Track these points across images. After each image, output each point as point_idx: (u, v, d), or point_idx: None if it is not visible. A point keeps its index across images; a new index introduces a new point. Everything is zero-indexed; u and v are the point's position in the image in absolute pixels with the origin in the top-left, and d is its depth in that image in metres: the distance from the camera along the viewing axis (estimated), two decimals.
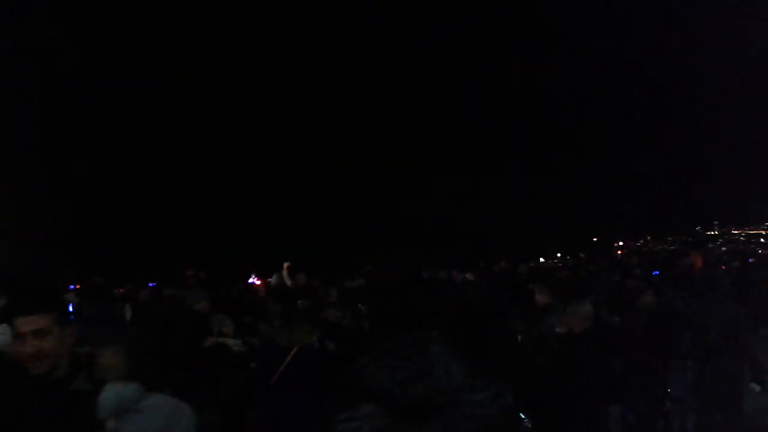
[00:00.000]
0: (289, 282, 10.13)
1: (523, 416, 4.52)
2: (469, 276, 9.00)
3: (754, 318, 9.05)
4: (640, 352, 5.55)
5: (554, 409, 4.40)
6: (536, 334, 4.83)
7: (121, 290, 10.82)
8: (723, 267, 16.91)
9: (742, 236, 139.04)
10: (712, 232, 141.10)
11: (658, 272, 11.42)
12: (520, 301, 7.69)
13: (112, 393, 2.32)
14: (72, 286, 9.34)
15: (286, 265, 10.38)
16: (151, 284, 10.13)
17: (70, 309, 5.72)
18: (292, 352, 4.87)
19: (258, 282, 11.64)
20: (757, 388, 5.56)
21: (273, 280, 10.45)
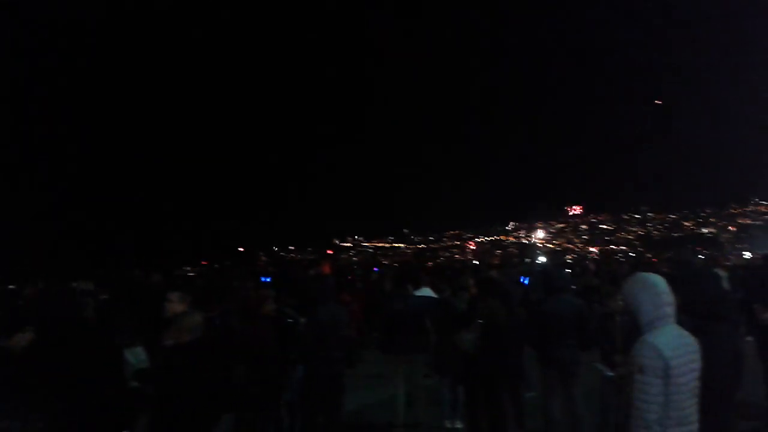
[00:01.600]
0: None
1: None
2: (86, 286, 8.13)
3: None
4: (260, 359, 5.64)
5: (161, 420, 4.20)
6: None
7: None
8: (350, 276, 18.69)
9: (370, 249, 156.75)
10: (347, 244, 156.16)
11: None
12: (152, 312, 7.29)
13: None
14: None
15: None
16: None
17: None
18: None
19: None
20: None
21: None
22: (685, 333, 3.00)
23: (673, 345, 2.87)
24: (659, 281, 3.02)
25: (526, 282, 10.46)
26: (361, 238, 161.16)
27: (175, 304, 5.63)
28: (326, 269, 14.70)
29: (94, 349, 4.34)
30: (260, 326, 5.84)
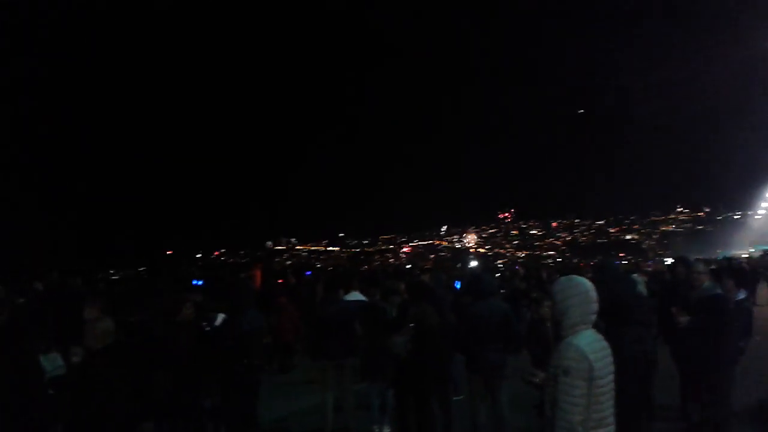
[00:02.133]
0: None
1: None
2: None
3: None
4: (180, 365, 5.45)
5: (77, 429, 4.02)
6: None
7: None
8: (281, 280, 18.40)
9: (305, 252, 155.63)
10: (281, 247, 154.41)
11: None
12: (70, 316, 6.98)
13: None
14: None
15: None
16: None
17: None
18: None
19: None
20: None
21: None
22: (600, 336, 3.05)
23: (594, 348, 2.91)
24: (591, 286, 3.04)
25: (458, 286, 10.54)
26: (295, 242, 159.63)
27: (87, 309, 5.41)
28: (258, 273, 14.45)
29: (8, 356, 4.12)
30: (179, 332, 5.65)
